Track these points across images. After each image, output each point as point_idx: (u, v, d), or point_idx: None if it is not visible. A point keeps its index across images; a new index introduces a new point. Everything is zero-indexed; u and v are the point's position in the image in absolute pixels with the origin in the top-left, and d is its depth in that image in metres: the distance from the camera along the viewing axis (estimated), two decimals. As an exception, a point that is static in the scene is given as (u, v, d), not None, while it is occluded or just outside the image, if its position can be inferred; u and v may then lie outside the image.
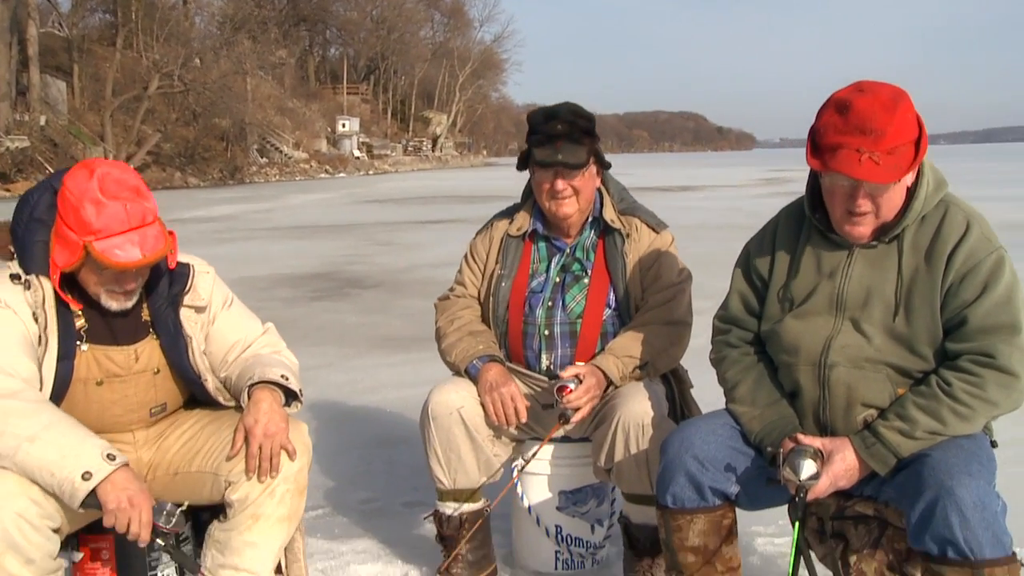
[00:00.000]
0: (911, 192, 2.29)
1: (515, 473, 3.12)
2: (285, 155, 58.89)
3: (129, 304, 2.51)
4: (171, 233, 2.59)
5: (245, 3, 60.21)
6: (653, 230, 3.11)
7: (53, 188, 2.51)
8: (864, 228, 2.29)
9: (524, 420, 2.94)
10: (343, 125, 70.68)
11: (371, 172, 64.48)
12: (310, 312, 8.69)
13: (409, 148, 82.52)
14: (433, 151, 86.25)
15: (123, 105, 46.21)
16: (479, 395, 2.96)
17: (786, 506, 2.50)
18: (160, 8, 51.89)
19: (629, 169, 64.08)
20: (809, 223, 2.43)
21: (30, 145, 39.51)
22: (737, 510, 2.50)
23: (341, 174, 60.17)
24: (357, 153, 69.42)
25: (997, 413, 2.24)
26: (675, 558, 2.45)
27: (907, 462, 2.22)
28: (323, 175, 58.56)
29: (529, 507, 3.18)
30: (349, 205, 27.45)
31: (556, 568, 3.22)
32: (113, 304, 2.48)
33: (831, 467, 2.24)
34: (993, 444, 2.41)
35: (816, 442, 2.28)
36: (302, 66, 76.15)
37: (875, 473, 2.28)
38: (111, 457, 2.29)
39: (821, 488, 2.23)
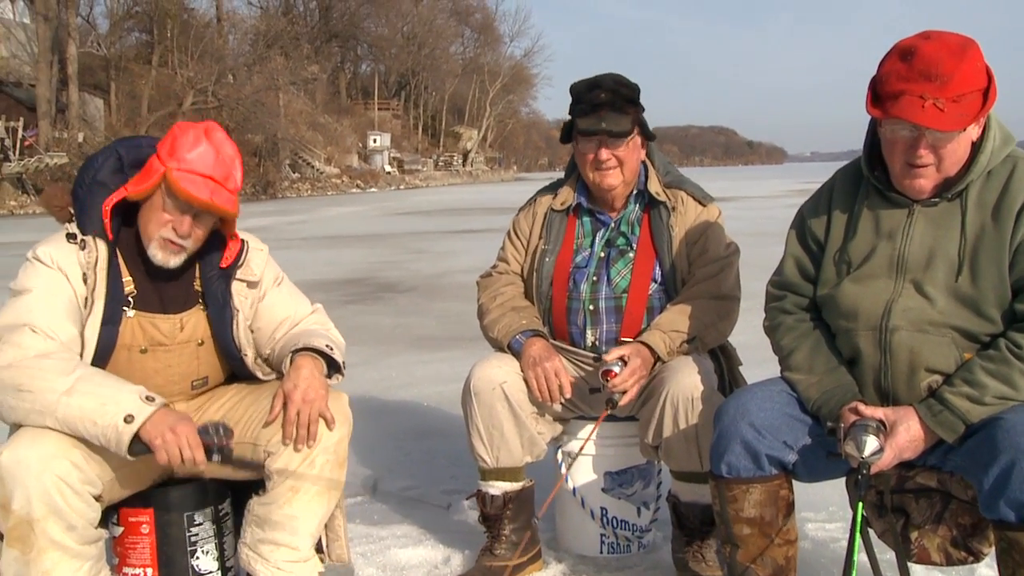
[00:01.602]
0: (976, 146, 2.19)
1: (563, 469, 3.05)
2: (317, 170, 59.23)
3: (175, 261, 2.47)
4: (238, 238, 2.62)
5: (277, 20, 60.95)
6: (700, 203, 3.03)
7: (117, 153, 2.53)
8: (925, 181, 2.19)
9: (568, 396, 2.86)
10: (374, 140, 71.01)
11: (402, 187, 64.69)
12: (345, 314, 8.66)
13: (440, 163, 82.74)
14: (464, 166, 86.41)
15: (158, 121, 46.67)
16: (522, 370, 2.89)
17: (842, 480, 2.41)
18: (194, 26, 52.65)
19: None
20: (867, 183, 2.33)
21: (68, 161, 40.05)
22: (793, 483, 2.41)
23: (372, 189, 60.42)
24: (388, 168, 69.69)
25: (1070, 375, 2.12)
26: (730, 530, 2.35)
27: (976, 428, 2.11)
28: (354, 190, 58.82)
29: (574, 488, 3.10)
30: (381, 217, 27.52)
31: (602, 552, 3.13)
32: (159, 255, 2.45)
33: (895, 439, 2.14)
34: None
35: (878, 412, 2.18)
36: (334, 82, 76.67)
37: (940, 442, 2.17)
38: (150, 399, 2.27)
39: (885, 462, 2.13)
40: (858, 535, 2.13)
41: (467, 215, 26.49)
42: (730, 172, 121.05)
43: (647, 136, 3.01)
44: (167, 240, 2.44)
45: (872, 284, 2.27)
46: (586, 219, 3.08)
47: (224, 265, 2.60)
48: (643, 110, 2.98)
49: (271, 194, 50.82)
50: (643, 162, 3.06)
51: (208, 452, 2.31)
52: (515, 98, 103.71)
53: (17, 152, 39.67)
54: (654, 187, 3.02)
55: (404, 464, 4.24)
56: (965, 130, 2.12)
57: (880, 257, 2.27)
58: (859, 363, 2.29)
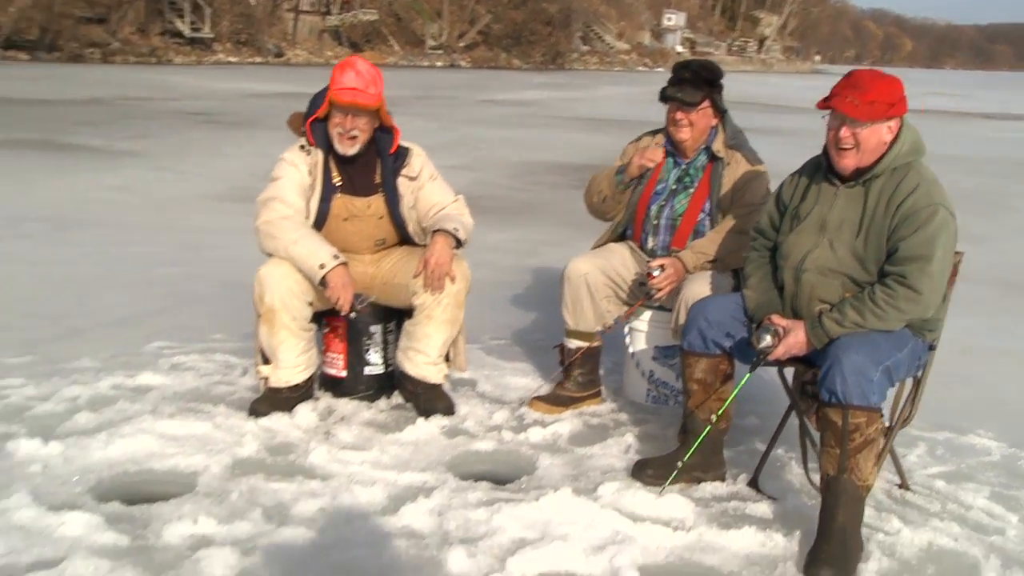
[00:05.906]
0: (888, 148, 3.16)
1: (627, 339, 4.31)
2: (607, 44, 60.00)
3: (351, 150, 3.91)
4: (396, 130, 3.99)
5: None
6: (750, 163, 4.10)
7: (326, 92, 3.95)
8: (848, 160, 3.18)
9: (659, 159, 4.18)
10: (669, 19, 70.57)
11: (690, 69, 63.94)
12: (567, 198, 9.99)
13: (733, 48, 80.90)
14: (758, 53, 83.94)
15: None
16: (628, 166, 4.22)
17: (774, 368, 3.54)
18: None
19: (978, 91, 55.42)
20: (822, 168, 3.35)
21: (378, 19, 43.55)
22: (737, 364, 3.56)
23: (659, 68, 60.39)
24: (679, 48, 69.22)
25: (906, 318, 3.12)
26: (686, 385, 3.56)
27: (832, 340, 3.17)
28: (641, 68, 59.19)
29: (632, 353, 4.37)
30: (652, 103, 28.10)
31: (647, 401, 4.39)
32: (340, 147, 3.91)
33: (786, 339, 3.23)
34: (931, 347, 3.30)
35: (783, 321, 3.27)
36: (636, -44, 76.08)
37: (820, 347, 3.25)
38: (336, 257, 3.77)
39: (777, 353, 3.24)
40: (737, 390, 3.34)
41: (742, 111, 26.48)
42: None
43: (718, 109, 4.10)
44: (340, 135, 3.88)
45: (804, 237, 3.32)
46: (669, 160, 4.25)
47: (391, 151, 4.00)
48: (720, 89, 4.11)
49: (559, 64, 52.27)
50: (715, 126, 4.16)
51: (352, 308, 3.81)
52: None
53: (338, 7, 43.53)
54: (717, 146, 4.13)
55: (540, 318, 5.67)
56: (873, 123, 3.10)
57: (814, 219, 3.32)
58: (784, 290, 3.38)
